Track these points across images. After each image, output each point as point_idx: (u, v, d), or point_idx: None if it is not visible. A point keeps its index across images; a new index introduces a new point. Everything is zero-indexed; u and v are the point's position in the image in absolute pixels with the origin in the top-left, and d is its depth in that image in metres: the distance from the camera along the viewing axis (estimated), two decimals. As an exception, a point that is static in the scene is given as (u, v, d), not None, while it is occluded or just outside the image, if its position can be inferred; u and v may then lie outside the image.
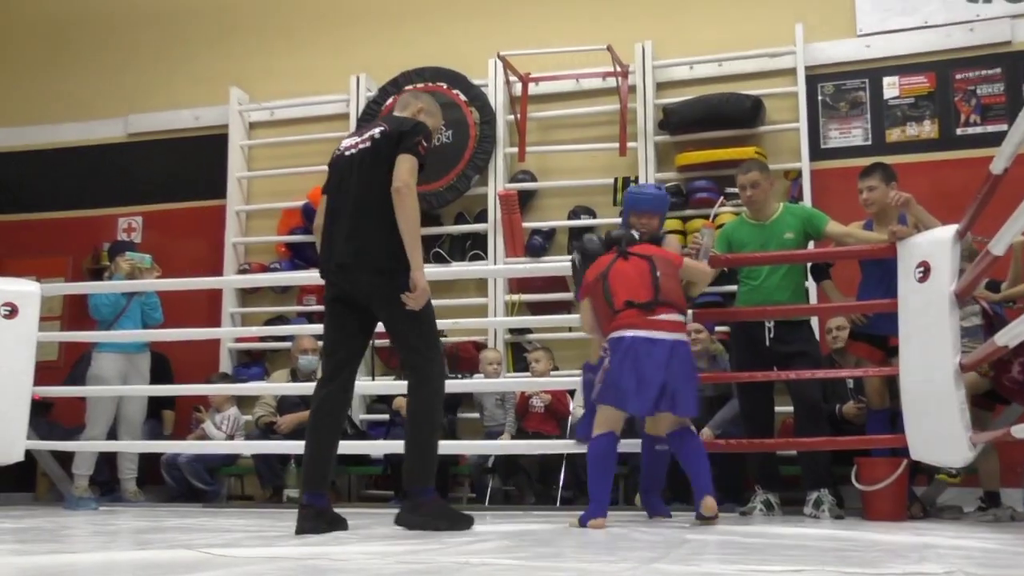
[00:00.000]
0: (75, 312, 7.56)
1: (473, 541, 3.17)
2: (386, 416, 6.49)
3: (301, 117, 7.72)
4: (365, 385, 6.70)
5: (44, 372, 5.92)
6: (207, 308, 7.37)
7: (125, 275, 6.11)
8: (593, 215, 6.96)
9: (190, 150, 8.01)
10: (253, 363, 7.37)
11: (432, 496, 3.73)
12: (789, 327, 4.80)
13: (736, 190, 6.29)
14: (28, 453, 5.63)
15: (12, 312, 5.45)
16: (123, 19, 8.39)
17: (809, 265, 5.14)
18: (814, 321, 5.51)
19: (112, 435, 6.00)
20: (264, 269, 7.44)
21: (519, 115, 7.08)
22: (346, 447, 5.80)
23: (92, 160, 8.22)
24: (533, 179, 7.18)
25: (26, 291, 5.55)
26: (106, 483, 6.43)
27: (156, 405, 6.64)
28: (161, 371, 6.52)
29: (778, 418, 5.19)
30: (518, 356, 6.80)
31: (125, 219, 8.03)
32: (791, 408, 5.03)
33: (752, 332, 4.84)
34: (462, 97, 7.18)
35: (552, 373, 6.19)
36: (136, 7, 8.39)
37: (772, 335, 4.77)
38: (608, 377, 3.98)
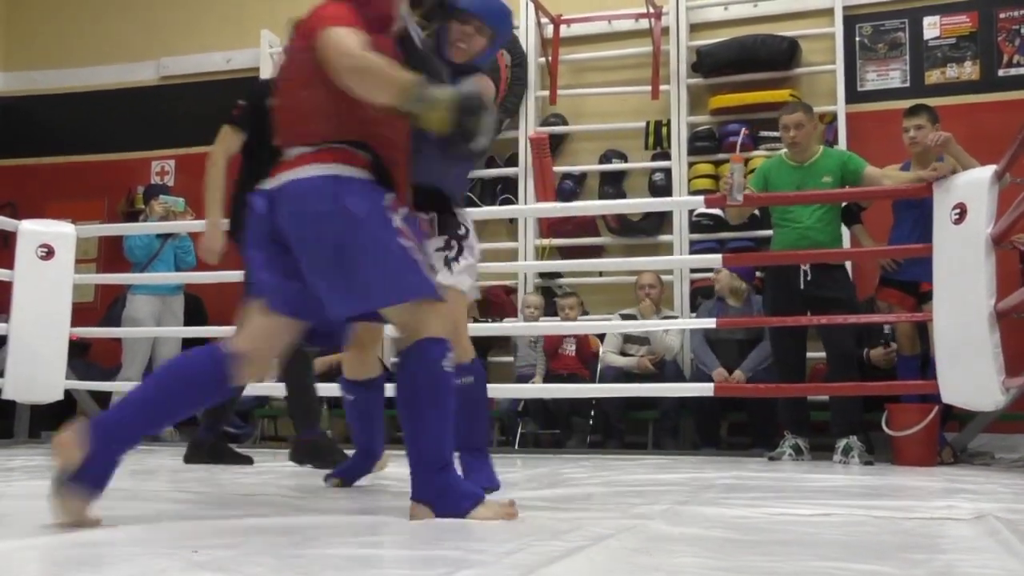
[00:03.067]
0: (110, 255, 7.63)
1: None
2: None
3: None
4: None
5: (81, 313, 6.00)
6: (235, 250, 7.41)
7: (158, 218, 6.16)
8: (625, 159, 6.91)
9: (222, 93, 7.94)
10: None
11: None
12: (824, 271, 4.76)
13: (770, 133, 6.26)
14: (67, 393, 5.75)
15: (48, 254, 5.51)
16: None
17: (841, 209, 5.07)
18: (850, 267, 5.46)
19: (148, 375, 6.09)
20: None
21: (550, 57, 7.00)
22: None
23: (126, 103, 8.24)
24: (564, 122, 7.12)
25: (62, 233, 5.60)
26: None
27: (190, 347, 6.72)
28: (195, 313, 6.60)
29: (809, 363, 5.18)
30: (547, 300, 6.81)
31: (158, 162, 8.07)
32: (823, 353, 5.01)
33: (787, 276, 4.81)
34: (493, 39, 7.08)
35: (581, 318, 6.20)
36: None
37: (807, 279, 4.73)
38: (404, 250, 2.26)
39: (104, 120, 8.24)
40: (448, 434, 2.15)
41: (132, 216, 7.59)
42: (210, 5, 8.10)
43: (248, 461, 4.20)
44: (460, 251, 2.84)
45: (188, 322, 6.34)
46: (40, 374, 5.44)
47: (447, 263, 2.79)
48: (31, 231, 5.54)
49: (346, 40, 2.11)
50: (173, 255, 6.30)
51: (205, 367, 2.15)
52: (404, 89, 2.05)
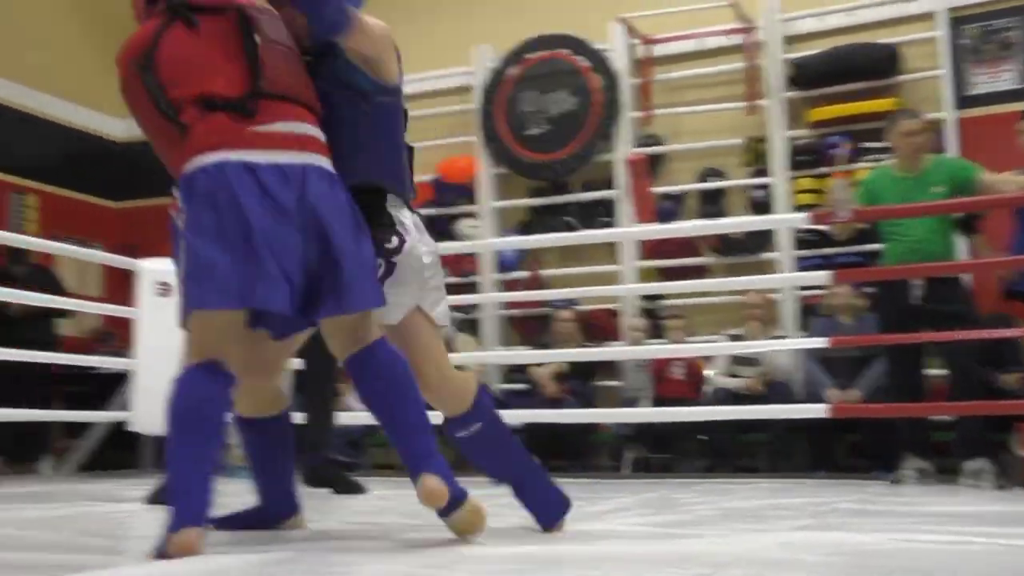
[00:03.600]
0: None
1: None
2: (524, 386, 6.53)
3: (426, 91, 7.77)
4: (500, 355, 6.81)
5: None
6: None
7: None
8: (723, 177, 6.82)
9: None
10: (390, 337, 7.53)
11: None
12: (940, 285, 4.58)
13: (874, 144, 6.09)
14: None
15: (165, 291, 5.71)
16: None
17: (956, 220, 4.88)
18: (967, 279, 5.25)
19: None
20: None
21: (643, 78, 6.97)
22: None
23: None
24: (660, 142, 7.07)
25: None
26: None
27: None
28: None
29: (929, 381, 4.99)
30: (652, 322, 6.75)
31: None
32: (941, 371, 4.82)
33: (900, 291, 4.65)
34: (585, 63, 7.11)
35: (687, 339, 6.12)
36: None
37: (922, 293, 4.57)
38: (188, 256, 2.10)
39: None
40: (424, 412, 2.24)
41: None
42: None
43: (360, 490, 4.24)
44: (389, 271, 2.29)
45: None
46: (163, 407, 5.60)
47: None
48: (150, 269, 5.76)
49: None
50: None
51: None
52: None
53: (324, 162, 2.23)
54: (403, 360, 2.25)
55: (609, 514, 3.07)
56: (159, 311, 5.65)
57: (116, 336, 7.55)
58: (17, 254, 6.60)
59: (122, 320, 6.18)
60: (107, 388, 6.36)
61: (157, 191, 9.68)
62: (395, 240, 2.30)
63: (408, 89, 8.61)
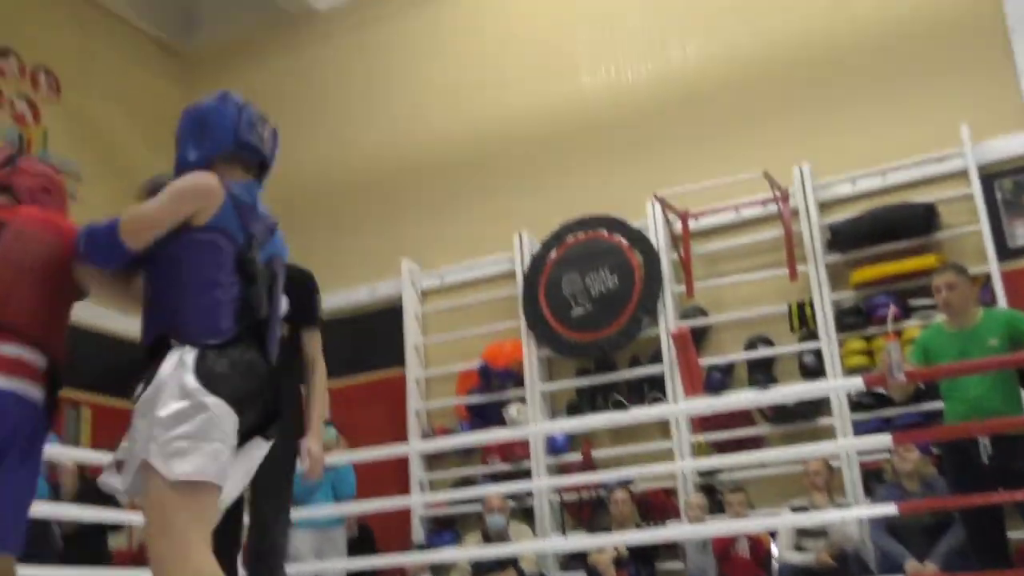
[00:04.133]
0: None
1: None
2: (583, 574, 6.28)
3: (470, 280, 7.92)
4: (556, 543, 6.58)
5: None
6: (395, 478, 7.47)
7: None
8: (771, 344, 6.74)
9: (367, 323, 8.31)
10: (444, 530, 7.35)
11: None
12: (1007, 442, 4.39)
13: (921, 302, 6.03)
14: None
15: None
16: (300, 208, 8.89)
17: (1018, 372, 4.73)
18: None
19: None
20: (447, 433, 7.50)
21: (682, 252, 7.04)
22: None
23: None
24: (704, 314, 7.06)
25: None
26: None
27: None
28: (365, 542, 6.61)
29: (1013, 544, 4.70)
30: (711, 499, 6.52)
31: (313, 397, 8.34)
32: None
33: (965, 451, 4.46)
34: (624, 241, 7.21)
35: (748, 513, 5.88)
36: (307, 194, 8.90)
37: (989, 451, 4.37)
38: None
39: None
40: None
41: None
42: (352, 241, 8.51)
43: None
44: (129, 426, 2.25)
45: (358, 552, 6.33)
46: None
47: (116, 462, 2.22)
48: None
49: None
50: (331, 486, 6.37)
51: None
52: None
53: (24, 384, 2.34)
54: None
55: None
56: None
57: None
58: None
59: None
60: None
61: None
62: (139, 387, 2.26)
63: (452, 279, 8.78)
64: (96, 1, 8.80)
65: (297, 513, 6.17)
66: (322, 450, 3.70)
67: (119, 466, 2.12)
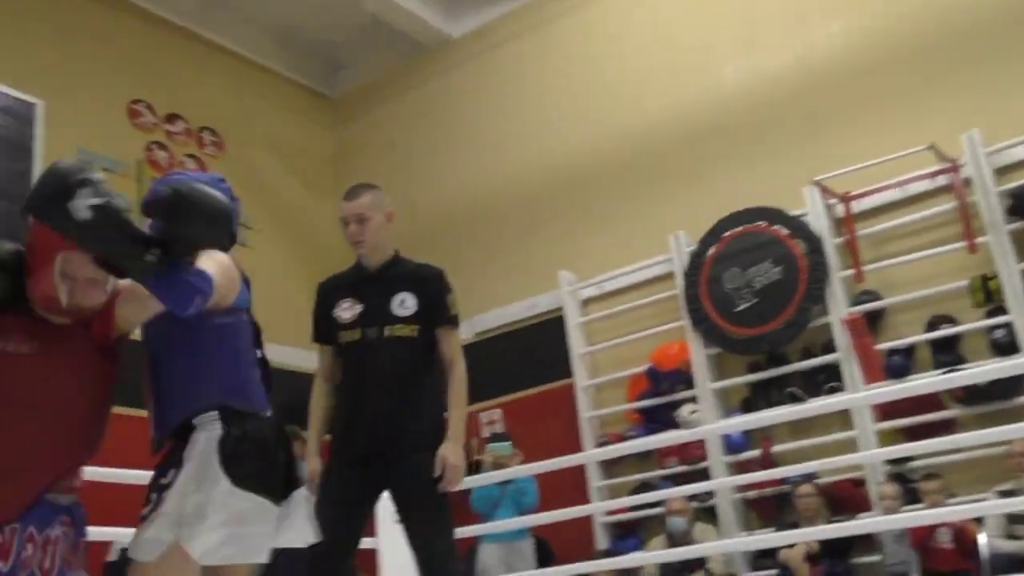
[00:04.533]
0: (458, 507, 7.95)
1: None
2: (773, 572, 6.13)
3: (629, 285, 7.89)
4: (745, 541, 6.45)
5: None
6: (572, 487, 7.49)
7: (490, 467, 6.40)
8: (954, 322, 6.42)
9: (530, 338, 8.39)
10: (628, 534, 7.32)
11: None
12: None
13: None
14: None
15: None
16: (450, 232, 9.08)
17: None
18: None
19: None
20: (621, 438, 7.48)
21: (847, 236, 6.80)
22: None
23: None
24: (878, 297, 6.78)
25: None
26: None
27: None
28: (542, 555, 6.65)
29: None
30: (904, 488, 6.25)
31: (485, 413, 8.47)
32: None
33: None
34: (783, 231, 7.03)
35: (949, 501, 5.60)
36: (455, 217, 9.08)
37: None
38: None
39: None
40: None
41: (474, 467, 7.93)
42: (510, 257, 8.64)
43: None
44: (157, 504, 2.26)
45: (541, 564, 6.39)
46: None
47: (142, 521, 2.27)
48: (386, 498, 5.91)
49: None
50: (513, 499, 6.47)
51: None
52: None
53: None
54: None
55: None
56: (399, 538, 5.78)
57: (361, 569, 7.69)
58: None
59: (364, 552, 6.29)
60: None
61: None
62: (171, 473, 2.28)
63: (611, 285, 8.79)
64: (250, 60, 9.31)
65: (483, 527, 6.32)
66: (460, 458, 3.53)
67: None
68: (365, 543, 5.97)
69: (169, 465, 2.29)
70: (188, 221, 1.93)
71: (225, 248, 2.26)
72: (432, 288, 3.61)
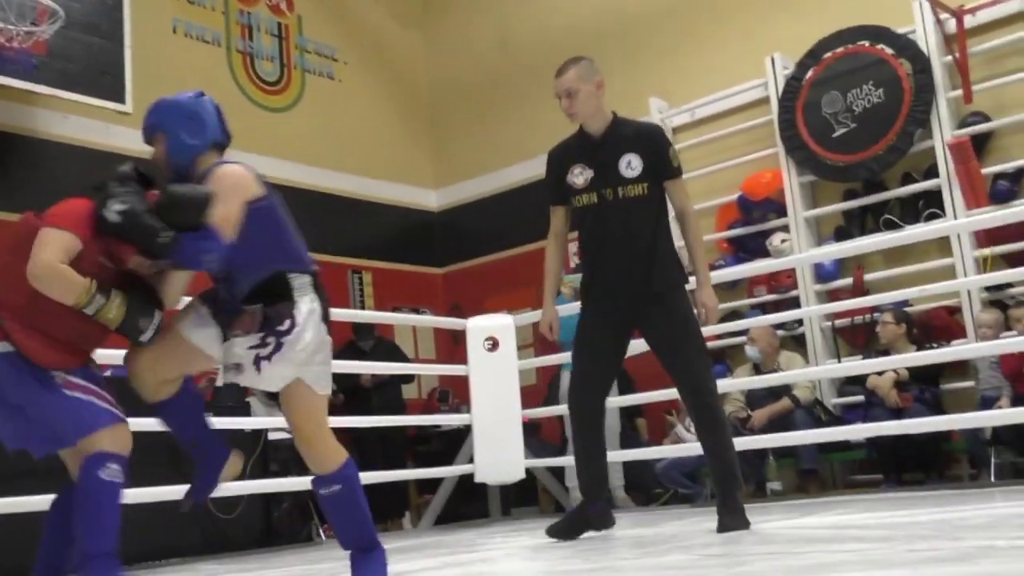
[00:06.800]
0: (543, 337, 8.12)
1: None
2: (860, 398, 6.15)
3: (722, 111, 7.65)
4: (832, 368, 6.45)
5: (528, 396, 6.43)
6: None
7: (568, 298, 6.45)
8: (1067, 144, 6.09)
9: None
10: (715, 361, 7.38)
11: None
12: None
13: None
14: (528, 471, 6.16)
15: (494, 345, 6.02)
16: (544, 65, 8.87)
17: None
18: None
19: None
20: (710, 267, 7.43)
21: (957, 54, 6.41)
22: (824, 434, 5.64)
23: (533, 196, 8.82)
24: (986, 119, 6.44)
25: (503, 325, 6.08)
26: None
27: (628, 415, 6.91)
28: (622, 382, 6.79)
29: None
30: (1001, 314, 6.11)
31: (573, 244, 8.48)
32: None
33: None
34: (888, 51, 6.66)
35: (1045, 329, 5.47)
36: (548, 46, 8.85)
37: None
38: None
39: (515, 217, 8.75)
40: (102, 528, 2.54)
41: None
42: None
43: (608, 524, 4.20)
44: (278, 348, 2.63)
45: (622, 391, 6.52)
46: (503, 457, 5.93)
47: (257, 361, 2.63)
48: (478, 327, 6.09)
49: (43, 249, 2.54)
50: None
51: None
52: (79, 297, 2.54)
53: None
54: (97, 482, 2.59)
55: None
56: (488, 365, 5.99)
57: (452, 393, 8.02)
58: (361, 329, 7.22)
59: (457, 378, 6.59)
60: (452, 444, 6.73)
61: (473, 254, 10.39)
62: (287, 323, 2.64)
63: (703, 112, 8.57)
64: None
65: (566, 358, 6.44)
66: (714, 299, 4.01)
67: (238, 368, 2.64)
68: (458, 370, 6.26)
69: (281, 316, 2.69)
70: (183, 215, 2.55)
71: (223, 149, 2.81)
72: (654, 146, 3.92)
